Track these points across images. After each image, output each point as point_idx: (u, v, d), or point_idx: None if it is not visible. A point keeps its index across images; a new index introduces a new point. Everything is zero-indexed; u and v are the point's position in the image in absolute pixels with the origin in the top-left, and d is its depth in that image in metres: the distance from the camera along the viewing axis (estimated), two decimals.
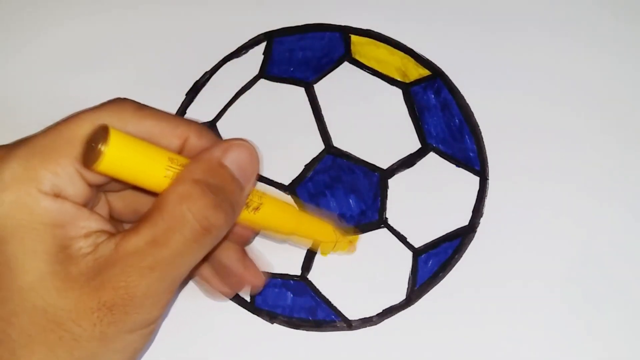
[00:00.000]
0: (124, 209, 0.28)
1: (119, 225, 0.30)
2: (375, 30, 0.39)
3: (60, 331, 0.23)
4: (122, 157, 0.23)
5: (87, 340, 0.23)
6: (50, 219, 0.23)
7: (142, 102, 0.38)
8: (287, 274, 0.34)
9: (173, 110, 0.38)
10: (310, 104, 0.38)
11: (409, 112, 0.37)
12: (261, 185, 0.35)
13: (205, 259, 0.26)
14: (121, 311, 0.24)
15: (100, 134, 0.22)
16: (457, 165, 0.36)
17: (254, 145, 0.26)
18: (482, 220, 0.35)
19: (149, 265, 0.23)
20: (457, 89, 0.38)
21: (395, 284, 0.34)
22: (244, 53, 0.39)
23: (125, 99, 0.26)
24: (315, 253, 0.35)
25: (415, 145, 0.37)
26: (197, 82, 0.39)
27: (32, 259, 0.23)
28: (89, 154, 0.23)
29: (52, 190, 0.23)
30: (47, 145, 0.23)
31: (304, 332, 0.33)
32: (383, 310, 0.33)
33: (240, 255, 0.31)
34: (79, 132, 0.24)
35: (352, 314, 0.34)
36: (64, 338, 0.23)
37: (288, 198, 0.31)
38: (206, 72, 0.39)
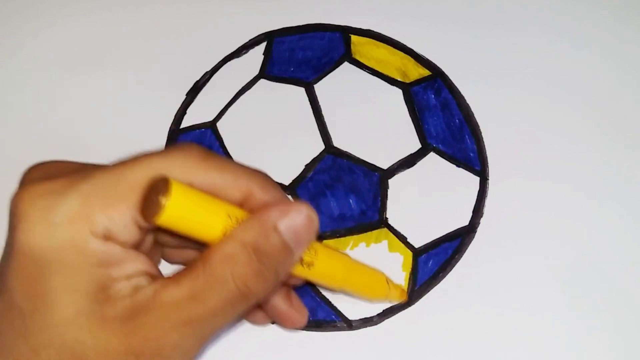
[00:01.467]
0: (171, 239, 0.28)
1: (164, 251, 0.30)
2: (375, 30, 0.39)
3: None
4: (182, 211, 0.22)
5: None
6: (96, 260, 0.23)
7: (142, 101, 0.39)
8: None
9: (173, 110, 0.38)
10: (311, 104, 0.38)
11: (409, 112, 0.37)
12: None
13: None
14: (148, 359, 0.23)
15: (162, 186, 0.22)
16: (457, 165, 0.36)
17: (314, 210, 0.26)
18: (482, 220, 0.35)
19: (183, 320, 0.23)
20: (457, 89, 0.38)
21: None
22: (244, 53, 0.39)
23: (192, 144, 0.25)
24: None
25: (415, 145, 0.37)
26: (197, 82, 0.39)
27: (71, 296, 0.23)
28: (149, 205, 0.22)
29: (104, 233, 0.23)
30: (107, 187, 0.23)
31: (304, 332, 0.33)
32: (383, 310, 0.33)
33: (285, 294, 0.30)
34: (141, 179, 0.23)
35: (352, 314, 0.34)
36: None
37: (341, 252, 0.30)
38: (206, 72, 0.39)
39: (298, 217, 0.25)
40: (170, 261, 0.30)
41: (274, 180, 0.27)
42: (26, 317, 0.23)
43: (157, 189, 0.22)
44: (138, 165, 0.24)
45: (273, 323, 0.33)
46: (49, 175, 0.24)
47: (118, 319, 0.23)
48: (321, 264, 0.28)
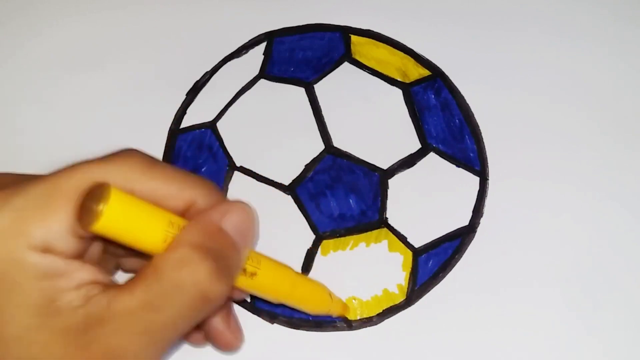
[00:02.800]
0: (119, 247, 0.28)
1: (116, 260, 0.29)
2: (375, 30, 0.39)
3: None
4: (120, 219, 0.22)
5: None
6: (38, 273, 0.22)
7: (142, 101, 0.39)
8: None
9: (173, 110, 0.38)
10: (310, 104, 0.38)
11: (409, 112, 0.37)
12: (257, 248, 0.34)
13: None
14: None
15: (100, 193, 0.21)
16: (457, 166, 0.36)
17: (253, 207, 0.25)
18: (482, 220, 0.35)
19: (141, 329, 0.23)
20: (457, 89, 0.38)
21: (396, 283, 0.34)
22: (244, 53, 0.39)
23: (135, 151, 0.25)
24: (316, 253, 0.34)
25: (415, 145, 0.37)
26: (197, 82, 0.39)
27: (18, 312, 0.22)
28: (86, 212, 0.22)
29: (43, 246, 0.22)
30: (42, 198, 0.23)
31: (304, 332, 0.33)
32: (383, 310, 0.33)
33: (225, 314, 0.29)
34: (77, 186, 0.23)
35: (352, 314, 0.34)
36: None
37: (284, 263, 0.30)
38: (206, 72, 0.39)
39: (239, 215, 0.25)
40: (126, 270, 0.30)
41: (218, 189, 0.27)
42: None
43: (95, 195, 0.21)
44: (74, 173, 0.23)
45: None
46: None
47: (72, 331, 0.22)
48: (264, 274, 0.27)
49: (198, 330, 0.30)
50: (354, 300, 0.34)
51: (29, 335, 0.22)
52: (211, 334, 0.29)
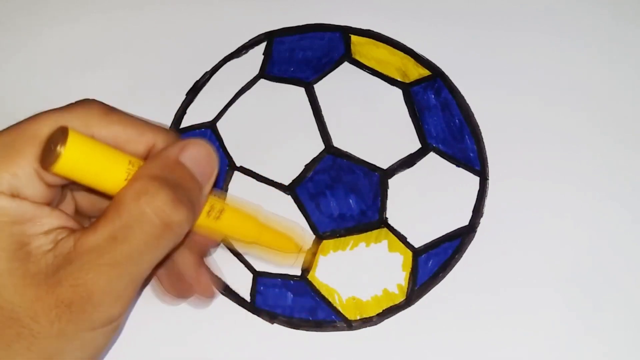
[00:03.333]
0: (91, 206, 0.28)
1: (87, 221, 0.29)
2: (375, 30, 0.39)
3: (18, 327, 0.23)
4: (80, 159, 0.22)
5: (45, 337, 0.23)
6: (8, 218, 0.23)
7: (142, 101, 0.39)
8: (287, 274, 0.34)
9: (173, 110, 0.38)
10: (310, 104, 0.38)
11: (409, 112, 0.37)
12: (221, 193, 0.34)
13: (163, 260, 0.26)
14: (80, 309, 0.23)
15: (60, 136, 0.22)
16: (457, 165, 0.36)
17: (210, 143, 0.26)
18: (482, 220, 0.35)
19: (107, 262, 0.23)
20: (457, 89, 0.38)
21: (396, 283, 0.34)
22: (244, 53, 0.39)
23: (93, 100, 0.26)
24: (316, 253, 0.35)
25: (415, 145, 0.37)
26: (197, 82, 0.39)
27: None
28: (48, 154, 0.22)
29: (10, 190, 0.23)
30: (6, 145, 0.23)
31: (304, 332, 0.33)
32: (383, 310, 0.33)
33: (195, 263, 0.30)
34: (41, 132, 0.23)
35: (351, 314, 0.34)
36: (22, 334, 0.23)
37: (250, 205, 0.30)
38: (206, 72, 0.39)
39: (198, 150, 0.25)
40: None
41: (178, 135, 0.27)
42: None
43: (55, 139, 0.22)
44: (37, 120, 0.24)
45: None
46: None
47: (43, 273, 0.23)
48: (229, 216, 0.28)
49: (171, 279, 0.31)
50: (353, 300, 0.34)
51: (3, 282, 0.23)
52: (182, 286, 0.30)
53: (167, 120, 0.38)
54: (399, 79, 0.38)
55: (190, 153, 0.25)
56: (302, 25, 0.40)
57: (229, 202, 0.28)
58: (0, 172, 0.23)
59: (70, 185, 0.26)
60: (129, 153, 0.25)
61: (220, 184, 0.36)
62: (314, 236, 0.34)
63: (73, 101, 0.26)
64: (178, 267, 0.30)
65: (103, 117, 0.25)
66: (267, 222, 0.31)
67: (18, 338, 0.23)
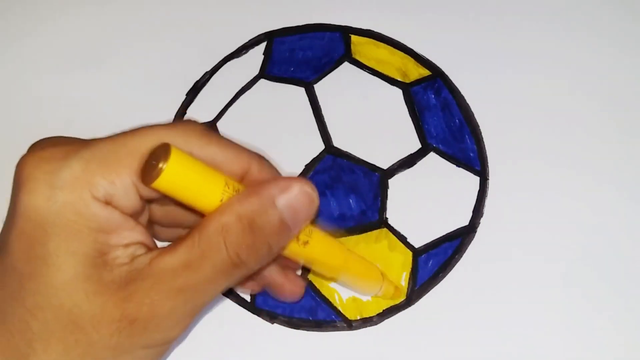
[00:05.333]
0: (163, 218, 0.29)
1: (154, 229, 0.30)
2: (375, 30, 0.39)
3: (78, 333, 0.23)
4: (180, 177, 0.23)
5: (101, 348, 0.24)
6: (96, 224, 0.23)
7: (142, 101, 0.39)
8: None
9: (173, 110, 0.38)
10: (310, 104, 0.38)
11: (409, 112, 0.37)
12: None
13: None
14: (141, 327, 0.24)
15: (162, 152, 0.22)
16: (457, 165, 0.36)
17: (314, 188, 0.26)
18: (482, 220, 0.35)
19: (178, 287, 0.24)
20: (457, 89, 0.38)
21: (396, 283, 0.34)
22: (244, 53, 0.39)
23: (194, 121, 0.26)
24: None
25: (415, 145, 0.37)
26: (197, 82, 0.39)
27: (70, 259, 0.23)
28: (149, 170, 0.23)
29: (105, 198, 0.23)
30: (109, 153, 0.24)
31: (304, 332, 0.33)
32: (383, 310, 0.33)
33: (283, 267, 0.30)
34: (142, 146, 0.24)
35: (352, 315, 0.34)
36: (81, 341, 0.23)
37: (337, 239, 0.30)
38: (206, 72, 0.39)
39: (298, 195, 0.25)
40: (160, 239, 0.30)
41: (272, 162, 0.28)
42: (24, 280, 0.23)
43: (157, 154, 0.23)
44: (140, 134, 0.24)
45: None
46: (53, 144, 0.25)
47: (114, 285, 0.23)
48: (317, 243, 0.28)
49: (252, 279, 0.31)
50: (353, 300, 0.34)
51: (76, 284, 0.23)
52: (271, 285, 0.30)
53: (167, 120, 0.38)
54: (399, 79, 0.38)
55: (290, 197, 0.25)
56: (302, 25, 0.40)
57: (316, 230, 0.28)
58: (99, 178, 0.23)
59: (156, 200, 0.26)
60: (225, 174, 0.25)
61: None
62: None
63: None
64: (264, 274, 0.30)
65: (203, 137, 0.25)
66: (351, 252, 0.31)
67: (76, 345, 0.23)
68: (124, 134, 0.24)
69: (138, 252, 0.24)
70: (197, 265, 0.24)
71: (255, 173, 0.26)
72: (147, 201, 0.25)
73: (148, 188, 0.23)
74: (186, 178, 0.23)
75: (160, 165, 0.22)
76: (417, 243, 0.35)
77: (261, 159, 0.27)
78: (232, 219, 0.24)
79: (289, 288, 0.30)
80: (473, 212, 0.35)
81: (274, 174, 0.27)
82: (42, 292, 0.23)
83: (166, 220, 0.29)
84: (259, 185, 0.25)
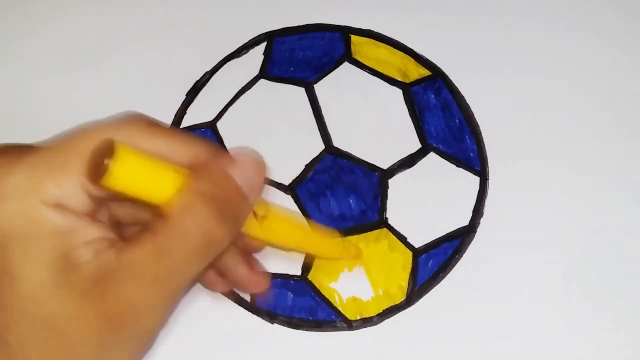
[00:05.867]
0: (125, 215, 0.28)
1: (120, 228, 0.30)
2: (375, 30, 0.39)
3: (60, 339, 0.23)
4: (128, 172, 0.22)
5: (86, 347, 0.23)
6: (52, 229, 0.23)
7: (142, 101, 0.39)
8: (287, 274, 0.34)
9: (173, 110, 0.38)
10: (310, 104, 0.38)
11: (409, 112, 0.37)
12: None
13: (211, 263, 0.26)
14: (120, 320, 0.23)
15: (107, 149, 0.22)
16: (457, 165, 0.36)
17: (261, 156, 0.26)
18: (482, 220, 0.35)
19: (150, 276, 0.23)
20: (457, 89, 0.38)
21: (396, 283, 0.34)
22: (244, 53, 0.39)
23: (137, 114, 0.26)
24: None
25: (415, 145, 0.37)
26: (197, 82, 0.39)
27: (33, 266, 0.23)
28: (96, 168, 0.22)
29: (55, 202, 0.23)
30: (54, 157, 0.24)
31: (304, 332, 0.33)
32: (383, 310, 0.33)
33: (245, 258, 0.30)
34: (87, 146, 0.23)
35: (352, 314, 0.34)
36: (63, 345, 0.23)
37: (292, 211, 0.31)
38: (206, 72, 0.39)
39: (247, 163, 0.25)
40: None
41: (222, 148, 0.27)
42: None
43: (103, 153, 0.22)
44: (83, 134, 0.24)
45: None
46: None
47: (85, 284, 0.23)
48: (274, 219, 0.28)
49: (219, 277, 0.31)
50: (353, 300, 0.34)
51: (44, 291, 0.23)
52: (237, 281, 0.30)
53: (167, 120, 0.38)
54: (399, 79, 0.38)
55: (240, 166, 0.25)
56: (302, 25, 0.40)
57: (272, 206, 0.28)
58: (46, 183, 0.23)
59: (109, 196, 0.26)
60: (174, 164, 0.25)
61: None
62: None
63: (116, 114, 0.26)
64: (228, 265, 0.30)
65: (147, 130, 0.25)
66: (310, 224, 0.31)
67: (59, 349, 0.23)
68: (69, 135, 0.24)
69: (101, 247, 0.24)
70: (167, 251, 0.23)
71: (204, 159, 0.26)
72: (103, 199, 0.25)
73: (98, 187, 0.23)
74: (134, 172, 0.23)
75: (106, 162, 0.22)
76: (417, 243, 0.35)
77: (210, 144, 0.26)
78: (193, 198, 0.24)
79: (255, 279, 0.31)
80: (473, 212, 0.35)
81: (225, 154, 0.27)
82: (12, 305, 0.23)
83: (128, 218, 0.28)
84: (208, 163, 0.25)
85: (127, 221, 0.29)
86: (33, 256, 0.23)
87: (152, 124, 0.25)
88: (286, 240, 0.30)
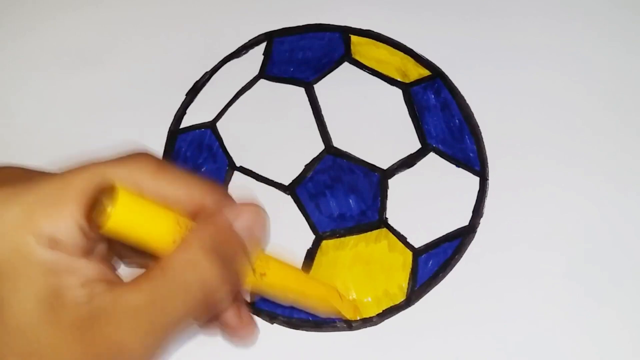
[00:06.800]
0: (124, 250, 0.28)
1: (115, 259, 0.29)
2: (375, 30, 0.39)
3: None
4: (128, 220, 0.22)
5: None
6: (42, 265, 0.23)
7: (142, 101, 0.39)
8: None
9: (173, 110, 0.38)
10: (310, 104, 0.38)
11: (409, 112, 0.37)
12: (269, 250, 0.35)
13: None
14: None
15: (108, 193, 0.22)
16: (457, 166, 0.36)
17: (264, 209, 0.25)
18: (482, 220, 0.35)
19: (145, 327, 0.23)
20: (457, 89, 0.38)
21: (396, 283, 0.34)
22: (244, 53, 0.39)
23: (145, 153, 0.25)
24: (316, 253, 0.34)
25: (415, 145, 0.37)
26: (197, 82, 0.39)
27: (23, 305, 0.23)
28: (95, 212, 0.22)
29: (50, 240, 0.23)
30: (52, 194, 0.23)
31: (304, 332, 0.33)
32: (383, 311, 0.33)
33: (237, 309, 0.30)
34: (87, 185, 0.23)
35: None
36: None
37: (292, 260, 0.30)
38: (206, 72, 0.39)
39: (250, 216, 0.25)
40: (128, 264, 0.30)
41: (228, 193, 0.27)
42: None
43: (104, 196, 0.22)
44: (85, 172, 0.23)
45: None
46: None
47: (77, 325, 0.23)
48: (274, 274, 0.28)
49: (212, 321, 0.30)
50: (353, 295, 0.34)
51: (34, 329, 0.23)
52: (225, 329, 0.30)
53: (167, 120, 0.38)
54: (399, 79, 0.38)
55: (244, 220, 0.25)
56: (302, 25, 0.40)
57: (272, 259, 0.28)
58: (41, 221, 0.23)
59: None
60: (178, 210, 0.24)
61: (220, 183, 0.36)
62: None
63: (123, 152, 0.25)
64: (220, 316, 0.29)
65: (154, 173, 0.24)
66: (306, 277, 0.31)
67: None
68: (68, 172, 0.24)
69: (97, 289, 0.23)
70: (165, 303, 0.23)
71: (210, 207, 0.25)
72: (99, 237, 0.24)
73: (94, 230, 0.22)
74: (135, 221, 0.22)
75: (108, 208, 0.21)
76: (417, 243, 0.35)
77: (216, 190, 0.26)
78: (197, 252, 0.23)
79: (243, 332, 0.30)
80: (473, 212, 0.35)
81: (229, 203, 0.26)
82: (3, 339, 0.23)
83: (127, 254, 0.28)
84: (212, 215, 0.24)
85: (126, 256, 0.28)
86: (24, 293, 0.23)
87: (158, 165, 0.25)
88: (284, 295, 0.30)
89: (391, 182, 0.36)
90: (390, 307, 0.33)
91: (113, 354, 0.23)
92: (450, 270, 0.34)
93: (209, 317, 0.25)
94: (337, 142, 0.37)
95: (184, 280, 0.23)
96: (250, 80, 0.39)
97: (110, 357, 0.23)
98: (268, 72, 0.39)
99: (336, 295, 0.32)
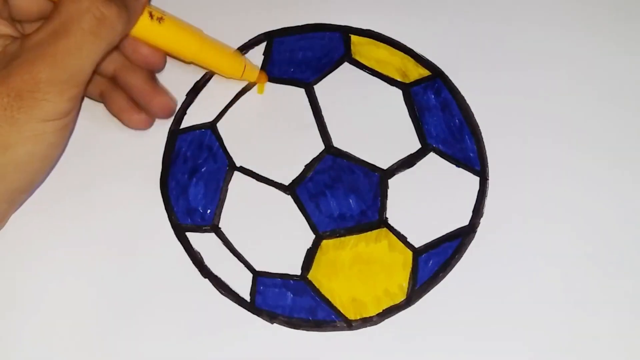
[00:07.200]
0: (26, 9, 0.31)
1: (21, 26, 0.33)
2: (375, 30, 0.39)
3: None
4: None
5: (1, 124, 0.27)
6: None
7: None
8: (287, 274, 0.34)
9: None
10: (310, 104, 0.38)
11: (409, 113, 0.37)
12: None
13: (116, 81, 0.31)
14: (29, 97, 0.27)
15: None
16: (457, 166, 0.36)
17: None
18: (482, 220, 0.35)
19: (50, 52, 0.27)
20: (457, 89, 0.38)
21: (396, 283, 0.34)
22: (244, 53, 0.39)
23: None
24: (316, 253, 0.34)
25: (415, 145, 0.37)
26: (197, 82, 0.39)
27: None
28: None
29: None
30: None
31: (304, 332, 0.33)
32: (383, 310, 0.33)
33: (149, 78, 0.34)
34: None
35: (352, 314, 0.34)
36: None
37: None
38: (206, 73, 0.39)
39: None
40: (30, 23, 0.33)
41: None
42: None
43: None
44: None
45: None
46: None
47: None
48: (171, 24, 0.31)
49: (129, 103, 0.34)
50: (353, 300, 0.34)
51: None
52: (143, 99, 0.34)
53: (167, 121, 0.38)
54: (399, 79, 0.38)
55: None
56: (302, 25, 0.40)
57: (169, 14, 0.31)
58: None
59: None
60: None
61: (220, 184, 0.36)
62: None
63: None
64: (132, 83, 0.33)
65: None
66: (209, 37, 0.34)
67: None
68: None
69: (7, 42, 0.29)
70: (63, 31, 0.27)
71: None
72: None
73: None
74: None
75: None
76: (417, 243, 0.35)
77: None
78: None
79: (160, 100, 0.34)
80: (473, 212, 0.35)
81: None
82: None
83: (30, 13, 0.31)
84: None
85: (29, 16, 0.32)
86: None
87: None
88: (183, 48, 0.33)
89: (391, 182, 0.36)
90: (391, 306, 0.33)
91: (31, 87, 0.27)
92: (450, 270, 0.34)
93: (107, 45, 0.29)
94: (337, 142, 0.37)
95: (75, 7, 0.27)
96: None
97: (29, 91, 0.27)
98: (268, 73, 0.39)
99: (239, 58, 0.35)
